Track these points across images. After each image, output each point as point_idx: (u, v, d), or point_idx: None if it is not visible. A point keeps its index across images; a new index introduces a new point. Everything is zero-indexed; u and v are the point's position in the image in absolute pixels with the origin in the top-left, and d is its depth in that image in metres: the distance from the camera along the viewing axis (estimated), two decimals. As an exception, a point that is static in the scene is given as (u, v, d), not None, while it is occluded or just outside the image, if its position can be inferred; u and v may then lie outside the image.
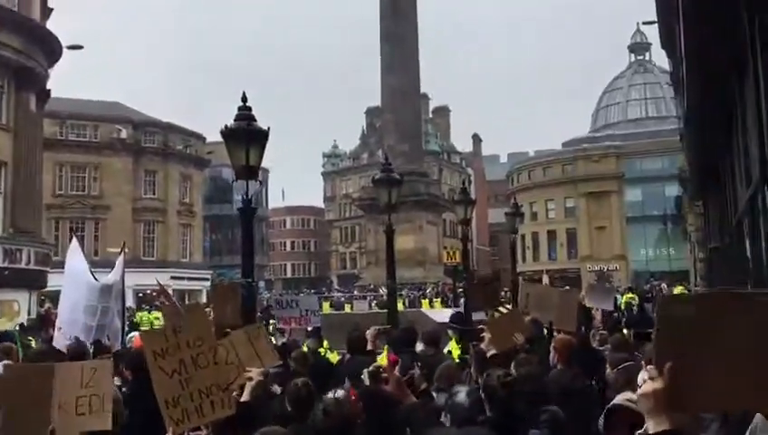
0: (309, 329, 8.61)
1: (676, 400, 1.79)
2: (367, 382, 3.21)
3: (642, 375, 1.83)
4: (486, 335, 5.92)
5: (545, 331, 7.27)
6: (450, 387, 4.36)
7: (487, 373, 4.01)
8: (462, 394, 3.64)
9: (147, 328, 14.72)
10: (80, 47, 27.98)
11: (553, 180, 66.47)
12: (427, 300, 28.23)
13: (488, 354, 5.39)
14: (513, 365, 5.41)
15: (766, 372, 1.75)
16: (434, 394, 4.86)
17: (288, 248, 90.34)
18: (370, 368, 3.26)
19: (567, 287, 15.17)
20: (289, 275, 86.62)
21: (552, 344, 6.13)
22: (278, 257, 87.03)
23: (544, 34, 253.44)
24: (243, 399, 4.08)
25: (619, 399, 3.63)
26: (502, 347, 6.32)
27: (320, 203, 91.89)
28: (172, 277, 41.98)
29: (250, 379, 4.13)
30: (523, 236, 58.93)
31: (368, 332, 7.24)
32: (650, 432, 1.76)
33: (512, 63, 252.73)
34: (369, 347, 6.95)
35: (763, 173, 7.49)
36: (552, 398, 4.69)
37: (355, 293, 33.77)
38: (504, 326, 6.69)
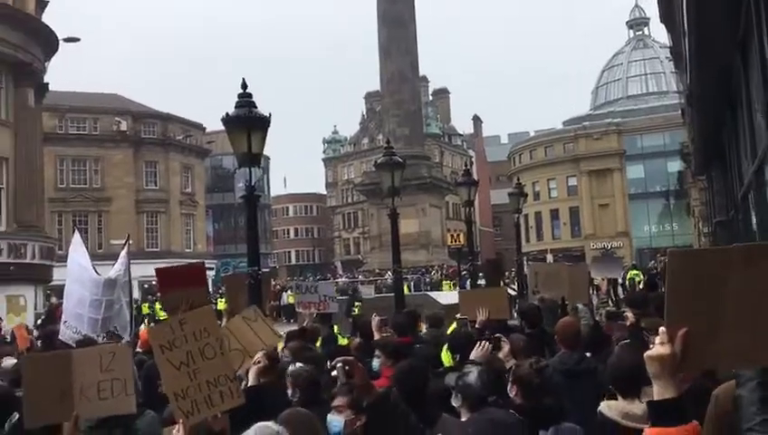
0: (329, 313, 8.59)
1: (684, 361, 1.78)
2: (342, 379, 3.21)
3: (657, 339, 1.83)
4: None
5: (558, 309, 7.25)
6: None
7: (517, 363, 3.96)
8: (473, 374, 3.62)
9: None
10: (76, 40, 27.81)
11: (555, 159, 66.31)
12: (449, 283, 28.27)
13: (507, 365, 5.25)
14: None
15: None
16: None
17: (291, 236, 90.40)
18: (339, 361, 3.25)
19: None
20: (293, 262, 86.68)
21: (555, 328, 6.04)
22: (282, 245, 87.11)
23: (543, 12, 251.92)
24: (249, 384, 4.07)
25: (612, 411, 3.55)
26: (467, 316, 6.48)
27: (322, 189, 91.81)
28: (177, 268, 41.95)
29: (257, 362, 4.12)
30: (526, 216, 58.89)
31: (372, 321, 7.20)
32: (654, 399, 1.78)
33: (510, 43, 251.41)
34: (376, 336, 6.90)
35: (770, 145, 7.42)
36: (553, 384, 4.63)
37: (360, 278, 33.81)
38: (477, 299, 6.80)
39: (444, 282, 29.29)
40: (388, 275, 30.42)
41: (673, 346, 1.77)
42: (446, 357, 6.01)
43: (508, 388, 3.81)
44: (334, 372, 3.52)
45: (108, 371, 3.67)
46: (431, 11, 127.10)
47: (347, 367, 3.20)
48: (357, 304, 17.37)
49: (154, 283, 33.21)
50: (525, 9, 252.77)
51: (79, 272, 8.59)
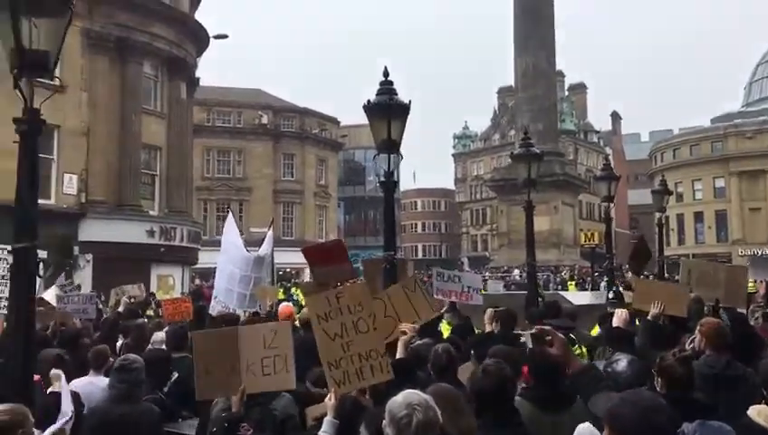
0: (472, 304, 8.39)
1: None
2: (529, 345, 3.16)
3: None
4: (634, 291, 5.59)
5: (708, 309, 6.78)
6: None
7: (660, 356, 3.78)
8: (623, 362, 3.48)
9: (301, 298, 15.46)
10: (225, 36, 29.45)
11: (701, 159, 62.21)
12: (573, 283, 27.39)
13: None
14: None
15: None
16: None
17: (419, 230, 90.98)
18: (533, 329, 3.21)
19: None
20: (420, 256, 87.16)
21: (698, 328, 5.67)
22: (409, 239, 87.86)
23: (691, 2, 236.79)
24: (398, 356, 4.12)
25: (760, 416, 3.25)
26: (640, 306, 6.17)
27: (450, 185, 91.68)
28: (309, 257, 43.45)
29: (404, 333, 4.16)
30: (666, 218, 55.67)
31: (485, 313, 7.07)
32: None
33: (653, 36, 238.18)
34: (488, 329, 6.77)
35: None
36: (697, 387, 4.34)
37: (487, 274, 33.44)
38: (653, 290, 6.47)
39: (569, 283, 28.34)
40: (516, 273, 29.82)
41: None
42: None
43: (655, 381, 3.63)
44: (522, 339, 3.52)
45: (271, 347, 3.85)
46: (571, 2, 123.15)
47: (548, 337, 3.18)
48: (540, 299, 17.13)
49: (288, 269, 34.66)
50: (669, 4, 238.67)
51: (231, 250, 9.08)
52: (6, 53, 3.88)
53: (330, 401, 3.54)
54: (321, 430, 3.48)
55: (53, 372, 3.69)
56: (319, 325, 3.81)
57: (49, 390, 4.33)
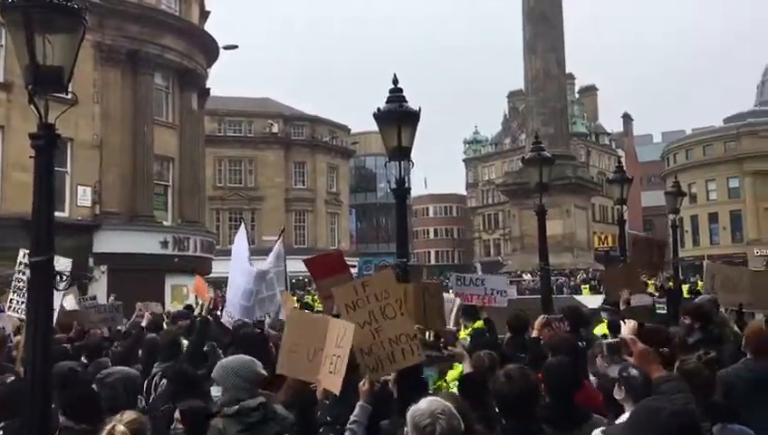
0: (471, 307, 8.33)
1: None
2: (605, 354, 3.16)
3: None
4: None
5: (730, 313, 6.71)
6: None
7: (681, 359, 3.70)
8: (635, 369, 3.44)
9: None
10: (235, 47, 29.62)
11: (715, 159, 61.83)
12: (587, 286, 27.27)
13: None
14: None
15: None
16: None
17: (431, 236, 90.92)
18: (610, 341, 3.21)
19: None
20: (433, 262, 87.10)
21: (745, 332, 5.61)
22: (421, 245, 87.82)
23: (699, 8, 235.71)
24: None
25: None
26: (613, 295, 6.26)
27: (462, 190, 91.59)
28: (322, 264, 43.51)
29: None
30: (681, 220, 55.31)
31: (536, 321, 7.00)
32: None
33: (663, 37, 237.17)
34: (535, 334, 6.74)
35: None
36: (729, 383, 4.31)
37: (500, 279, 33.28)
38: (618, 277, 6.54)
39: (583, 286, 28.19)
40: (529, 278, 29.69)
41: None
42: None
43: None
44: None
45: (339, 346, 3.80)
46: (579, 7, 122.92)
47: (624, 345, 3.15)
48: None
49: (301, 277, 34.65)
50: (679, 4, 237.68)
51: (239, 263, 9.17)
52: (21, 70, 3.94)
53: (363, 387, 3.58)
54: (354, 414, 3.54)
55: None
56: (347, 315, 3.86)
57: None
